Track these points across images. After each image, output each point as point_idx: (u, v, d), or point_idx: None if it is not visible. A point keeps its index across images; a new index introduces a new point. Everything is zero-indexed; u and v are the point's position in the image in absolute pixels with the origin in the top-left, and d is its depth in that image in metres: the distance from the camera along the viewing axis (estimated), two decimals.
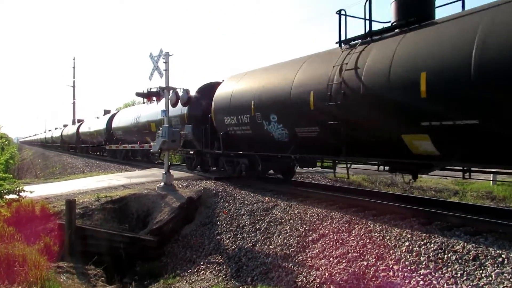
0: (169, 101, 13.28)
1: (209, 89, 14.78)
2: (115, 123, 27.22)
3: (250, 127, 11.74)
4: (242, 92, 12.24)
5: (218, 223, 10.19)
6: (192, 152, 15.97)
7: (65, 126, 54.41)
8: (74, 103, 59.65)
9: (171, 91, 13.15)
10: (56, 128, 62.75)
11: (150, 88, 13.72)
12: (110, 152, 29.14)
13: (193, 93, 14.89)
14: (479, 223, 6.58)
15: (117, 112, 29.73)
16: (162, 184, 12.65)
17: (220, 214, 10.53)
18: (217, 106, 13.28)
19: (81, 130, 38.39)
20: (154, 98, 13.59)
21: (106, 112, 36.96)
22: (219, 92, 13.53)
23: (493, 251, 5.45)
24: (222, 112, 12.89)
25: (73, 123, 52.78)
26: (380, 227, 7.11)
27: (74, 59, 60.01)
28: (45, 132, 78.88)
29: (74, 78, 60.54)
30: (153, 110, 19.15)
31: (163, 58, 12.76)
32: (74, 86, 59.92)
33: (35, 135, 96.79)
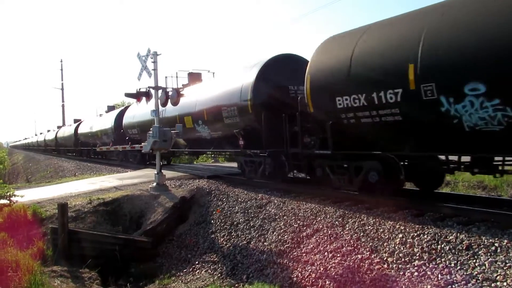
0: (159, 100, 13.18)
1: (286, 62, 11.77)
2: (127, 119, 22.36)
3: (400, 110, 7.24)
4: (380, 50, 7.60)
5: (212, 221, 10.17)
6: (259, 153, 11.71)
7: (59, 127, 51.44)
8: (63, 106, 59.01)
9: (160, 91, 13.04)
10: (48, 131, 59.94)
11: (140, 88, 13.64)
12: (120, 156, 25.12)
13: (252, 70, 11.84)
14: (471, 213, 6.63)
15: (128, 107, 24.73)
16: (154, 184, 12.59)
17: (214, 212, 10.51)
18: (316, 82, 8.92)
19: (80, 130, 33.77)
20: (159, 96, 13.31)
21: (110, 108, 32.42)
22: (322, 59, 9.05)
23: (486, 240, 5.50)
24: (329, 90, 8.53)
25: (63, 125, 51.93)
26: (374, 220, 7.14)
27: (61, 61, 59.21)
28: (36, 135, 77.30)
29: (62, 80, 59.74)
30: (187, 99, 14.99)
31: (151, 58, 12.67)
32: (62, 89, 59.19)
33: (25, 139, 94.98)
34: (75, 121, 40.34)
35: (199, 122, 14.34)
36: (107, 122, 26.26)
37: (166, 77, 18.06)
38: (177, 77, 17.60)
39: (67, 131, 39.56)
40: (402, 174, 8.08)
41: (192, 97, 14.81)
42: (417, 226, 6.46)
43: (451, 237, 5.83)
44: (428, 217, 6.80)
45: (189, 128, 14.85)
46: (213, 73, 17.26)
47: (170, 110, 15.79)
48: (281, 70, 11.58)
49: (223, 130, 13.24)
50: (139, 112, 20.21)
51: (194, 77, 17.77)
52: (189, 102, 14.73)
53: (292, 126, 10.32)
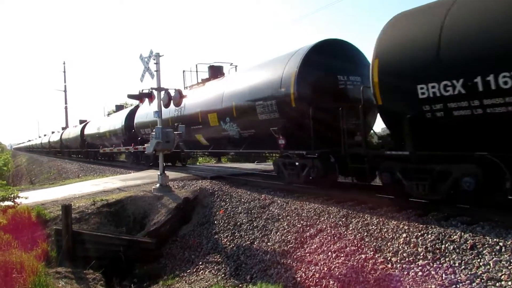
0: (162, 101, 13.19)
1: (334, 48, 10.28)
2: (139, 118, 21.14)
3: None
4: (487, 21, 5.95)
5: (215, 222, 10.17)
6: (305, 154, 10.04)
7: (64, 128, 50.79)
8: (66, 108, 59.25)
9: (163, 92, 13.06)
10: (53, 132, 59.59)
11: (142, 90, 13.67)
12: (131, 158, 23.50)
13: (294, 58, 10.27)
14: (475, 212, 6.60)
15: (139, 105, 22.28)
16: (157, 185, 12.61)
17: (217, 213, 10.52)
18: (388, 66, 7.37)
19: (86, 131, 32.49)
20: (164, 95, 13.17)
21: (119, 107, 31.25)
22: (395, 38, 7.46)
23: (490, 240, 5.48)
24: (408, 77, 6.93)
25: (66, 127, 52.02)
26: (377, 220, 7.13)
27: (64, 63, 59.48)
28: (40, 137, 77.29)
29: (65, 82, 59.98)
30: (210, 94, 13.94)
31: (154, 59, 12.70)
32: (65, 91, 59.49)
33: (29, 141, 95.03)
34: (81, 122, 39.18)
35: (226, 119, 12.92)
36: (117, 122, 25.08)
37: (184, 71, 17.61)
38: (196, 71, 16.94)
39: (73, 132, 38.47)
40: (510, 182, 6.26)
41: (217, 91, 13.55)
42: (421, 225, 6.44)
43: (455, 237, 5.81)
44: (432, 217, 6.77)
45: (213, 126, 13.63)
46: (235, 66, 15.74)
47: (190, 106, 14.94)
48: (328, 58, 10.04)
49: (257, 128, 11.74)
50: (152, 110, 19.56)
51: (215, 71, 16.59)
52: (213, 97, 13.47)
53: (350, 122, 9.03)
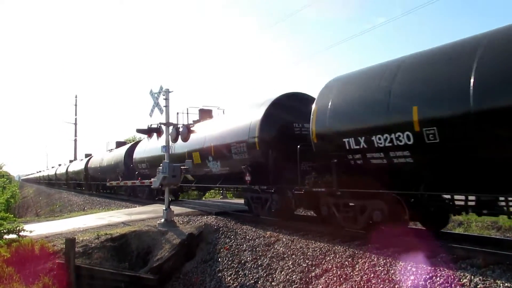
0: (170, 136, 13.34)
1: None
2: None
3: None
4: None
5: (219, 259, 10.01)
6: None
7: (71, 161, 51.62)
8: (75, 140, 59.92)
9: (171, 127, 13.23)
10: (60, 165, 60.30)
11: (151, 124, 13.86)
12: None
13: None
14: (485, 255, 6.45)
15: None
16: (162, 220, 12.53)
17: (221, 250, 10.37)
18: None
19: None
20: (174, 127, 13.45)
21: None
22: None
23: (501, 284, 5.32)
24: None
25: (74, 159, 52.48)
26: (384, 261, 6.98)
27: (76, 96, 60.66)
28: (47, 169, 77.91)
29: (76, 115, 60.88)
30: (197, 136, 14.44)
31: (163, 95, 12.95)
32: (76, 124, 60.32)
33: (39, 172, 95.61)
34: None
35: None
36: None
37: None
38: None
39: (78, 165, 39.99)
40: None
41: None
42: (429, 267, 6.29)
43: (465, 280, 5.66)
44: (440, 259, 6.62)
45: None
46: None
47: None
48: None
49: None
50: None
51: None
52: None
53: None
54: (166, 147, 13.19)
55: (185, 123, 17.55)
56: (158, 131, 13.53)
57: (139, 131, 14.43)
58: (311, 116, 9.59)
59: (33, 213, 38.93)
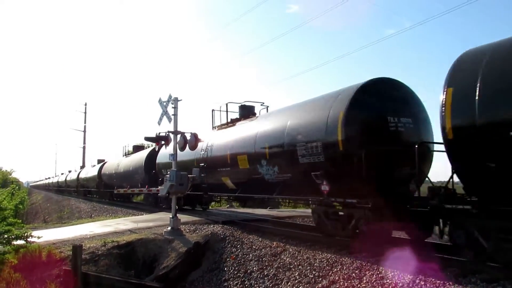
0: (178, 144, 13.39)
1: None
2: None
3: None
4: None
5: (225, 268, 9.97)
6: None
7: (82, 167, 49.38)
8: (84, 147, 60.38)
9: (179, 135, 13.30)
10: (70, 171, 59.62)
11: (160, 133, 13.94)
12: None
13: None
14: (495, 270, 6.35)
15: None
16: (169, 228, 12.52)
17: (228, 259, 10.33)
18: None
19: (104, 171, 32.22)
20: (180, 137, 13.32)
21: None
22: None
23: None
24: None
25: (83, 167, 52.77)
26: (392, 274, 6.90)
27: (85, 104, 61.23)
28: (56, 175, 78.20)
29: (85, 123, 61.44)
30: (241, 135, 13.37)
31: (172, 103, 13.03)
32: (85, 131, 60.88)
33: (47, 178, 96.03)
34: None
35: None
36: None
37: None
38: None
39: (91, 171, 37.90)
40: None
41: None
42: (438, 281, 6.20)
43: None
44: (449, 272, 6.53)
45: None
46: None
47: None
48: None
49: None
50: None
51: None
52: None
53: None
54: (174, 156, 13.23)
55: (223, 122, 16.56)
56: (166, 139, 13.59)
57: (147, 139, 14.53)
58: (442, 103, 6.96)
59: (41, 220, 39.14)
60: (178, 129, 13.24)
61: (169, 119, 13.03)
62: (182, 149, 13.59)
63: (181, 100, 13.14)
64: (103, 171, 32.65)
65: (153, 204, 22.18)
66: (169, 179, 12.60)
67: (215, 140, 15.20)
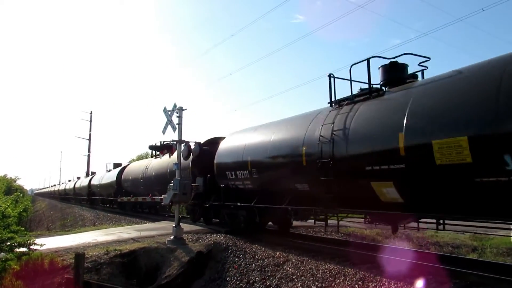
0: (181, 154, 13.43)
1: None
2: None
3: None
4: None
5: (227, 278, 9.91)
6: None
7: (92, 174, 49.81)
8: (89, 156, 60.53)
9: (183, 144, 13.34)
10: (69, 181, 59.79)
11: (164, 142, 14.00)
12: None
13: None
14: (500, 283, 6.29)
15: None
16: (172, 237, 12.50)
17: (230, 269, 10.28)
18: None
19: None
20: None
21: (116, 165, 35.31)
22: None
23: None
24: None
25: (87, 175, 52.92)
26: (395, 286, 6.84)
27: (91, 113, 61.61)
28: (60, 184, 78.28)
29: (90, 131, 61.71)
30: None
31: (177, 113, 13.10)
32: (89, 139, 61.09)
33: (53, 186, 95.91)
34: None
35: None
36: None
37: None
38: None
39: (83, 182, 44.24)
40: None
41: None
42: None
43: None
44: (454, 285, 6.47)
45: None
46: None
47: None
48: None
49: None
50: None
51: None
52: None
53: None
54: (178, 164, 13.26)
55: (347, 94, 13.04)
56: (170, 148, 13.64)
57: (151, 147, 14.62)
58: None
59: (44, 227, 39.17)
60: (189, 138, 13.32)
61: (174, 128, 13.09)
62: (186, 158, 13.60)
63: (185, 109, 13.21)
64: (92, 182, 34.63)
65: (208, 221, 16.52)
66: (172, 187, 12.62)
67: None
